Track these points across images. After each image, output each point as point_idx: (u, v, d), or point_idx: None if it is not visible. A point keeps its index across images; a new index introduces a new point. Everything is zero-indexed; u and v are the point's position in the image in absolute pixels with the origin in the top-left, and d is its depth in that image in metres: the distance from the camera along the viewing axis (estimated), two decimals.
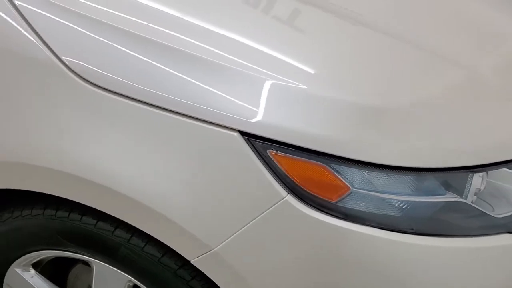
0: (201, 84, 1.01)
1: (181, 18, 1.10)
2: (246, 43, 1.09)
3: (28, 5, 1.08)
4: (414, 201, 1.03)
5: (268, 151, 0.99)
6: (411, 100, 1.09)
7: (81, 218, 1.14)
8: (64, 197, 1.10)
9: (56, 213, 1.16)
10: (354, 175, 1.00)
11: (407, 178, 1.02)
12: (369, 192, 1.01)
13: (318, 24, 1.22)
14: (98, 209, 1.09)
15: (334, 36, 1.20)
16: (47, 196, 1.13)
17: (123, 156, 1.03)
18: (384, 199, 1.01)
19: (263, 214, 0.99)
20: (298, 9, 1.25)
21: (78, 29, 1.06)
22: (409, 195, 1.02)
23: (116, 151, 1.03)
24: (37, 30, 1.06)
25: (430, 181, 1.03)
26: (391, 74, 1.15)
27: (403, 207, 1.02)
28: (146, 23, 1.07)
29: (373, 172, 1.00)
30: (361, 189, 1.00)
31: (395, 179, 1.01)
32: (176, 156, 1.01)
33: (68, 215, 1.15)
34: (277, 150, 0.99)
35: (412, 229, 1.01)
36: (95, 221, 1.13)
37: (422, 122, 1.06)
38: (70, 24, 1.06)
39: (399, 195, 1.02)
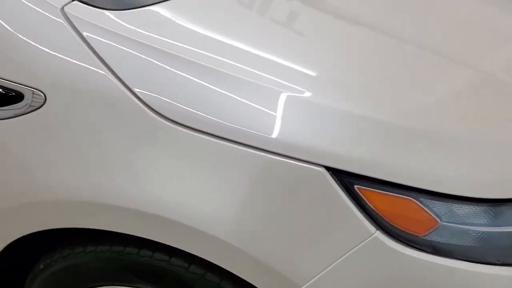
0: (284, 119, 0.99)
1: (258, 53, 1.07)
2: (326, 76, 1.07)
3: (98, 36, 1.04)
4: (499, 232, 1.01)
5: (355, 186, 0.97)
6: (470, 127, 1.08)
7: (153, 254, 1.11)
8: (139, 235, 1.07)
9: (125, 249, 1.13)
10: (441, 208, 0.99)
11: (492, 208, 1.01)
12: (456, 225, 0.99)
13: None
14: (173, 246, 1.06)
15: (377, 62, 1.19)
16: (111, 232, 1.10)
17: (201, 193, 1.00)
18: (469, 231, 1.00)
19: (352, 251, 0.97)
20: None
21: (152, 61, 1.03)
22: (494, 226, 1.01)
23: (195, 187, 1.00)
24: (108, 62, 1.02)
25: None
26: (445, 99, 1.13)
27: (488, 238, 1.01)
28: (222, 58, 1.04)
29: (459, 205, 0.99)
30: (448, 222, 0.99)
31: (480, 210, 1.00)
32: (257, 192, 0.99)
33: (139, 251, 1.12)
34: (364, 185, 0.97)
35: (499, 261, 1.00)
36: (167, 257, 1.10)
37: (488, 150, 1.05)
38: (143, 56, 1.03)
39: (484, 226, 1.01)
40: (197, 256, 1.06)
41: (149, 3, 1.13)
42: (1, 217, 1.12)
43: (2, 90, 1.05)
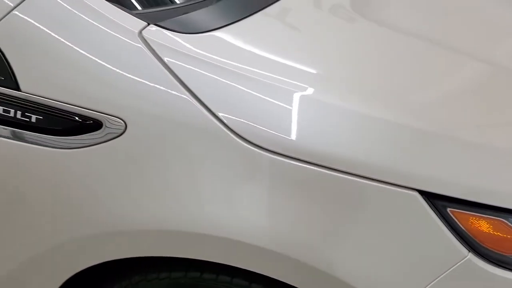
0: (375, 144, 0.99)
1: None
2: (408, 100, 1.07)
3: (178, 61, 1.02)
4: None
5: (448, 209, 0.97)
6: None
7: (232, 279, 1.09)
8: (222, 262, 1.05)
9: (201, 275, 1.11)
10: None
11: None
12: None
13: None
14: (255, 271, 1.04)
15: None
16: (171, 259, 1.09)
17: (291, 220, 0.99)
18: None
19: (445, 273, 0.98)
20: None
21: (233, 85, 1.02)
22: None
23: (286, 215, 0.99)
24: (190, 87, 1.00)
25: None
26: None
27: None
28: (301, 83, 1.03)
29: None
30: None
31: None
32: (347, 217, 0.98)
33: (217, 277, 1.10)
34: (456, 208, 0.97)
35: None
36: (247, 283, 1.09)
37: None
38: (224, 80, 1.02)
39: None
40: (279, 283, 1.05)
41: (223, 25, 1.11)
42: (77, 245, 1.09)
43: (80, 119, 1.03)
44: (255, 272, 1.07)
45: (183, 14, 1.12)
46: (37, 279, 1.16)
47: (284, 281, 1.03)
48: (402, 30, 1.32)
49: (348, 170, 0.97)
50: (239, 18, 1.15)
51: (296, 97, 1.03)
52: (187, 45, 1.05)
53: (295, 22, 1.27)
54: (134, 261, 1.13)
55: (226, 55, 1.06)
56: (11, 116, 1.05)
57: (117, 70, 1.01)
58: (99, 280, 1.22)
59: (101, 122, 1.02)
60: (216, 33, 1.10)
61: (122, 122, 1.01)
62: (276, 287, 1.07)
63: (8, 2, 1.03)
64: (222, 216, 1.01)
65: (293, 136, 0.99)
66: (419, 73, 1.19)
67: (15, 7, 1.03)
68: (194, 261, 1.10)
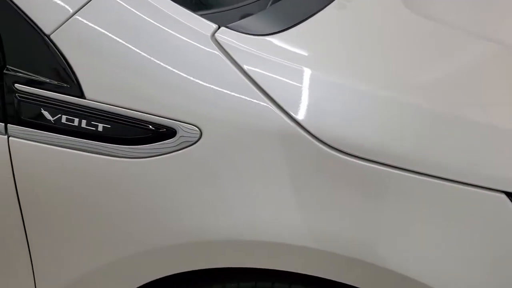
0: (464, 147, 0.97)
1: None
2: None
3: (255, 65, 0.98)
4: None
5: None
6: None
7: None
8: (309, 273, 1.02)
9: (272, 285, 1.07)
10: None
11: None
12: None
13: None
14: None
15: None
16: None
17: (389, 232, 0.97)
18: None
19: None
20: None
21: (313, 89, 0.98)
22: None
23: (383, 224, 0.96)
24: (269, 92, 0.97)
25: None
26: None
27: None
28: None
29: None
30: None
31: None
32: (441, 224, 0.96)
33: (289, 287, 1.07)
34: None
35: None
36: None
37: None
38: (302, 84, 0.98)
39: None
40: None
41: (295, 23, 1.07)
42: (149, 256, 1.04)
43: (152, 127, 0.98)
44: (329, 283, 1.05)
45: (251, 14, 1.08)
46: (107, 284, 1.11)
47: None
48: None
49: (436, 174, 0.95)
50: (308, 16, 1.11)
51: (378, 99, 1.00)
52: (262, 48, 1.00)
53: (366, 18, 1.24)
54: (197, 273, 1.09)
55: (303, 56, 1.03)
56: (75, 126, 0.99)
57: (190, 76, 0.97)
58: None
59: (174, 129, 0.97)
60: (290, 33, 1.06)
61: (197, 129, 0.97)
62: None
63: (68, 7, 0.98)
64: (307, 225, 0.98)
65: (379, 140, 0.96)
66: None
67: (76, 12, 0.98)
68: (264, 271, 1.07)
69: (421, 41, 1.22)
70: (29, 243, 1.10)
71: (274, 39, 1.03)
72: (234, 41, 0.99)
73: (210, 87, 0.97)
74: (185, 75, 0.97)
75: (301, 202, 0.97)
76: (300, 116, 0.96)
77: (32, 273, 1.13)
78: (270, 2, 1.14)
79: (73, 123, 0.99)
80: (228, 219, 0.99)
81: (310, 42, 1.08)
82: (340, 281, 1.01)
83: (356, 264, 0.97)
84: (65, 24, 0.97)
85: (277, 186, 0.97)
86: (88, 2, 0.97)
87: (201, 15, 1.02)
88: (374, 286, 0.99)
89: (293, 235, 0.98)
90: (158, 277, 1.06)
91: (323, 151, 0.95)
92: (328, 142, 0.95)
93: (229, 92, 0.97)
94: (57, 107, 0.99)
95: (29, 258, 1.11)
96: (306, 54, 1.06)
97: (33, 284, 1.14)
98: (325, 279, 1.02)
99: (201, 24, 1.00)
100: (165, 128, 0.97)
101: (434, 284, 0.97)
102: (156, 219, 1.01)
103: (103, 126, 0.98)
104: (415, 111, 0.99)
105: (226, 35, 1.00)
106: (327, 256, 0.98)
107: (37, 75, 0.99)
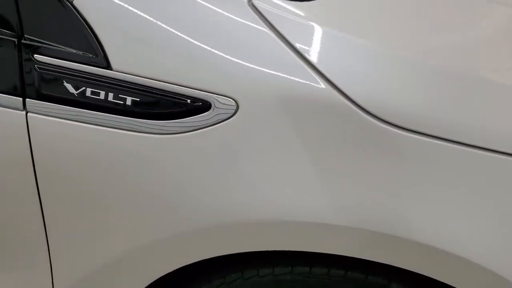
0: None
1: None
2: None
3: (295, 32, 0.91)
4: None
5: None
6: None
7: (346, 273, 1.00)
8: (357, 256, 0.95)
9: (310, 269, 1.01)
10: None
11: None
12: None
13: None
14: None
15: None
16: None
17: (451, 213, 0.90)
18: None
19: None
20: None
21: (361, 59, 0.92)
22: None
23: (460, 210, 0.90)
24: (313, 63, 0.90)
25: None
26: None
27: None
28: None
29: None
30: None
31: None
32: (499, 202, 0.90)
33: (329, 271, 1.00)
34: None
35: None
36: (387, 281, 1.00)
37: None
38: (350, 54, 0.92)
39: None
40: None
41: None
42: (180, 241, 0.97)
43: (185, 100, 0.90)
44: (368, 265, 0.99)
45: None
46: (126, 276, 1.04)
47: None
48: None
49: (483, 145, 0.89)
50: None
51: (420, 68, 0.93)
52: (302, 13, 0.94)
53: None
54: (229, 258, 1.02)
55: (347, 24, 0.96)
56: (100, 99, 0.92)
57: (226, 44, 0.90)
58: (184, 280, 1.10)
59: (209, 102, 0.90)
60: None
61: (233, 102, 0.90)
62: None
63: None
64: (361, 206, 0.91)
65: (433, 112, 0.90)
66: None
67: None
68: (301, 254, 1.00)
69: (441, 7, 1.16)
70: (47, 229, 1.02)
71: (313, 4, 0.96)
72: (273, 7, 0.92)
73: (247, 56, 0.90)
74: (220, 44, 0.90)
75: (352, 178, 0.90)
76: (345, 85, 0.89)
77: (48, 258, 1.06)
78: None
79: (99, 96, 0.91)
80: (269, 199, 0.92)
81: (349, 9, 1.01)
82: (385, 262, 0.95)
83: (404, 244, 0.91)
84: None
85: (322, 161, 0.90)
86: None
87: None
88: (427, 267, 0.93)
89: (337, 215, 0.92)
90: (188, 263, 1.00)
91: (371, 122, 0.89)
92: (377, 114, 0.88)
93: (268, 61, 0.90)
94: (81, 80, 0.91)
95: (46, 243, 1.04)
96: (346, 20, 0.98)
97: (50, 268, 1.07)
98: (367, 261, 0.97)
99: None
100: (199, 101, 0.90)
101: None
102: (193, 198, 0.93)
103: (131, 99, 0.91)
104: (459, 80, 0.93)
105: (263, 1, 0.93)
106: (371, 236, 0.92)
107: (59, 44, 0.91)
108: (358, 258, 0.97)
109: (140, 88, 0.90)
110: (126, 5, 0.90)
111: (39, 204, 0.99)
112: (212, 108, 0.90)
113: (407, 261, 0.94)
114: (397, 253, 0.93)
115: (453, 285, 0.94)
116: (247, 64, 0.89)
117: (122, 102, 0.91)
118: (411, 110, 0.89)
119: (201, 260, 1.01)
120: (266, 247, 0.97)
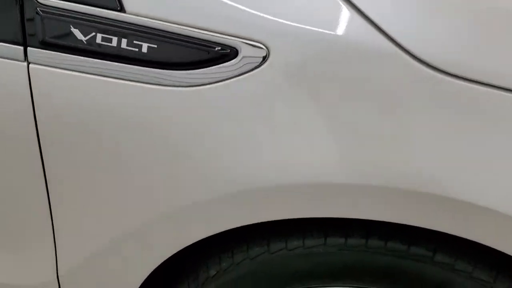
0: None
1: None
2: None
3: None
4: None
5: None
6: None
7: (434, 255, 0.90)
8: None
9: (346, 240, 0.91)
10: None
11: None
12: None
13: None
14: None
15: None
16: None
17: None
18: None
19: None
20: None
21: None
22: None
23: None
24: (359, 6, 0.79)
25: None
26: None
27: None
28: None
29: None
30: None
31: None
32: None
33: (366, 242, 0.90)
34: None
35: None
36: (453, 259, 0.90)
37: None
38: None
39: None
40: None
41: None
42: (205, 208, 0.87)
43: (208, 46, 0.80)
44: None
45: None
46: (139, 251, 0.94)
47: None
48: None
49: None
50: None
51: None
52: None
53: None
54: (250, 230, 0.92)
55: None
56: (112, 46, 0.81)
57: None
58: (200, 255, 1.00)
59: (236, 49, 0.80)
60: None
61: (263, 47, 0.79)
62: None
63: None
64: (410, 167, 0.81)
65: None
66: None
67: None
68: (334, 224, 0.90)
69: None
70: (50, 196, 0.92)
71: None
72: None
73: None
74: None
75: (403, 139, 0.80)
76: (394, 31, 0.79)
77: (52, 232, 0.96)
78: None
79: (111, 43, 0.81)
80: (307, 160, 0.82)
81: None
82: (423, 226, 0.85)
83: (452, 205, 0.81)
84: None
85: (371, 120, 0.80)
86: None
87: None
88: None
89: (383, 175, 0.81)
90: (209, 235, 0.90)
91: (423, 71, 0.78)
92: (429, 62, 0.78)
93: (303, 2, 0.79)
94: (90, 24, 0.81)
95: (49, 209, 0.93)
96: None
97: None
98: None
99: None
100: (225, 47, 0.80)
101: None
102: (215, 163, 0.83)
103: (148, 46, 0.80)
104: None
105: None
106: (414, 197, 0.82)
107: None
108: (398, 227, 0.88)
109: (157, 33, 0.80)
110: None
111: (41, 166, 0.88)
112: (239, 55, 0.80)
113: (476, 232, 0.84)
114: (456, 219, 0.83)
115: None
116: (279, 5, 0.79)
117: (137, 50, 0.81)
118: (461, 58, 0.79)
119: (223, 233, 0.91)
120: (299, 214, 0.86)
